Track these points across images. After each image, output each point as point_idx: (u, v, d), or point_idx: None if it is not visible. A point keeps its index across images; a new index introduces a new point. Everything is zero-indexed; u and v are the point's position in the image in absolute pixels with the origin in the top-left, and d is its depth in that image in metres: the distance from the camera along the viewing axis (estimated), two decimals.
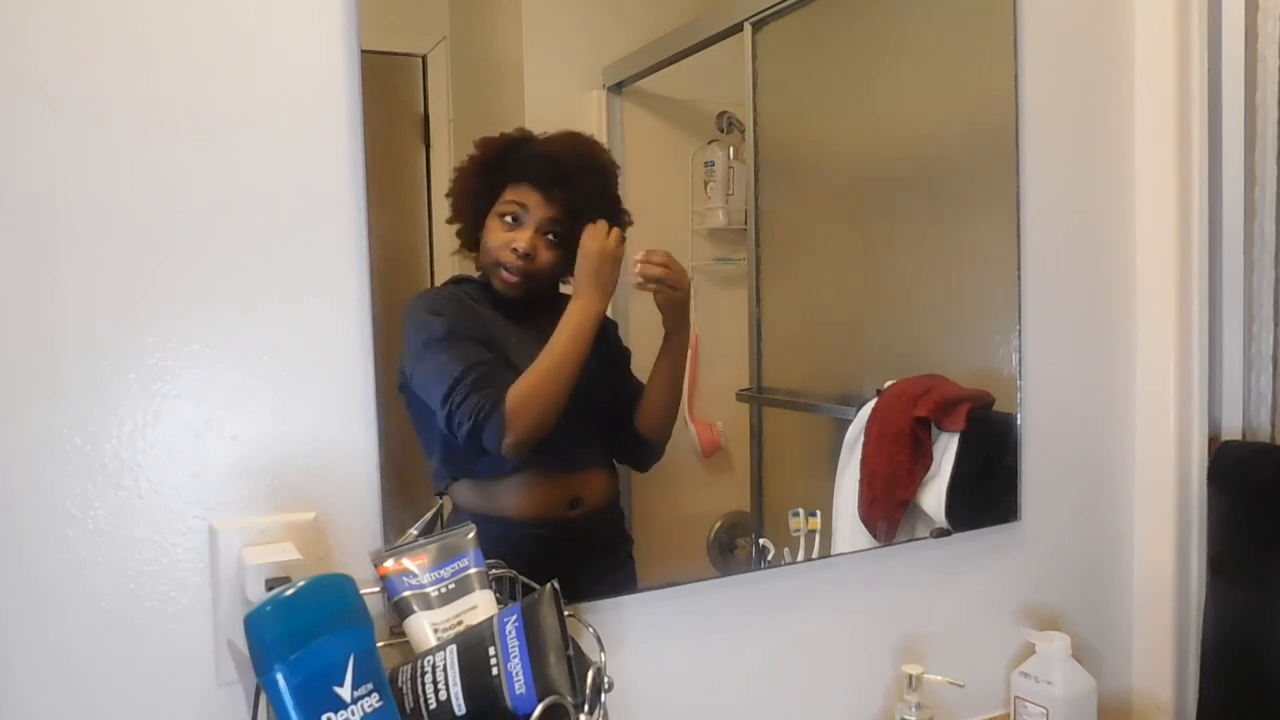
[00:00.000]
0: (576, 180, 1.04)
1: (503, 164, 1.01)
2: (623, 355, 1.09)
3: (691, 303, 1.09)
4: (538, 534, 1.04)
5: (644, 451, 1.12)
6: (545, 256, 1.02)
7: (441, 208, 1.00)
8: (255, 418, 0.90)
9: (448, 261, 1.01)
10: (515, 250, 1.01)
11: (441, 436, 0.99)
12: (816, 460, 1.30)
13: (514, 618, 0.78)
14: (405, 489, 0.97)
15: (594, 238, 1.02)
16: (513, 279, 1.01)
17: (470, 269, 1.03)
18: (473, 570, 0.87)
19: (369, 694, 0.71)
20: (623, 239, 1.04)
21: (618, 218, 1.05)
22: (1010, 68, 1.31)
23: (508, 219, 1.01)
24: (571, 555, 1.05)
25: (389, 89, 0.97)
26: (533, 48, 1.05)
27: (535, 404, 0.99)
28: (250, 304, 0.90)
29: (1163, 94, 1.37)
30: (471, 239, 1.02)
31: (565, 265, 1.03)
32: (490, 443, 0.98)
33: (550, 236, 1.02)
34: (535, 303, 1.04)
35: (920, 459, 1.26)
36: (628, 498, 1.11)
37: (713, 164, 1.17)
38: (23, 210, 0.82)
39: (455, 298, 1.02)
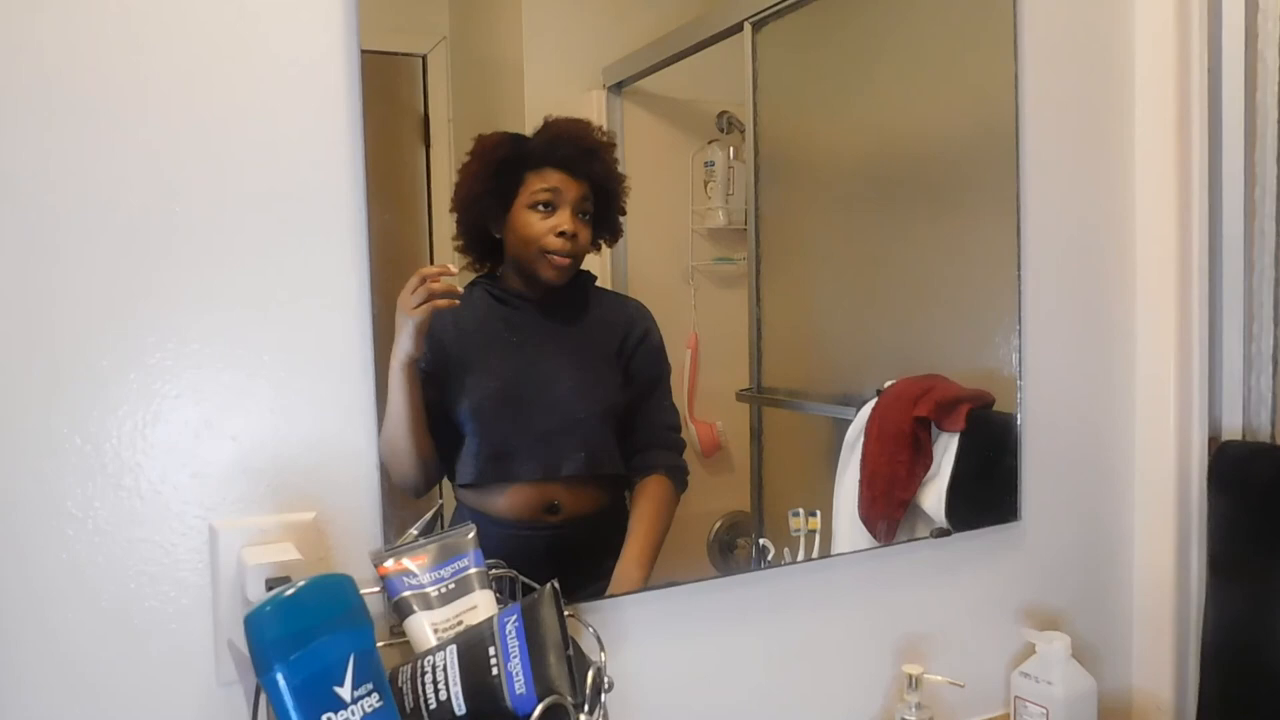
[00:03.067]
0: (597, 154, 1.06)
1: (518, 156, 1.01)
2: (636, 363, 1.09)
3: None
4: (526, 535, 1.04)
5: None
6: (584, 234, 1.04)
7: (442, 207, 0.99)
8: (255, 418, 0.90)
9: (447, 260, 1.01)
10: (563, 233, 1.01)
11: None
12: (816, 460, 1.30)
13: (514, 618, 0.78)
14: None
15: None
16: (564, 262, 1.03)
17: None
18: (473, 570, 0.87)
19: (369, 694, 0.71)
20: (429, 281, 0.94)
21: (621, 194, 1.07)
22: (1010, 68, 1.31)
23: (542, 207, 1.01)
24: (565, 558, 1.05)
25: (389, 89, 0.97)
26: (533, 48, 1.05)
27: (389, 460, 0.96)
28: (250, 304, 0.90)
29: (1163, 94, 1.37)
30: (484, 243, 1.01)
31: (595, 243, 1.05)
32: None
33: (583, 215, 1.03)
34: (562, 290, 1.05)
35: (920, 459, 1.26)
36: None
37: (713, 164, 1.17)
38: (23, 210, 0.82)
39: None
